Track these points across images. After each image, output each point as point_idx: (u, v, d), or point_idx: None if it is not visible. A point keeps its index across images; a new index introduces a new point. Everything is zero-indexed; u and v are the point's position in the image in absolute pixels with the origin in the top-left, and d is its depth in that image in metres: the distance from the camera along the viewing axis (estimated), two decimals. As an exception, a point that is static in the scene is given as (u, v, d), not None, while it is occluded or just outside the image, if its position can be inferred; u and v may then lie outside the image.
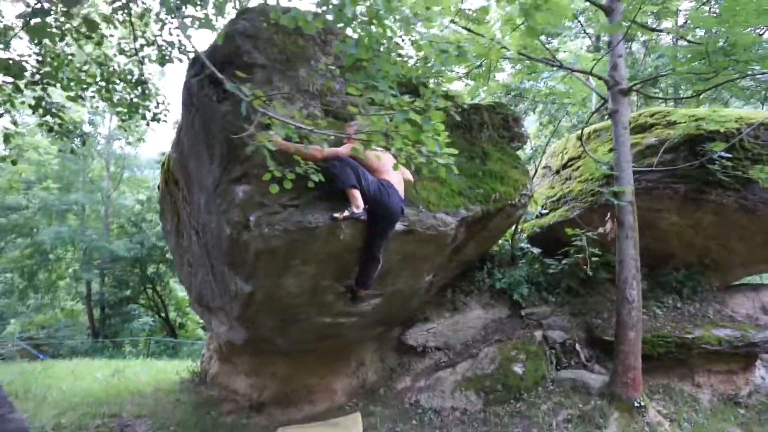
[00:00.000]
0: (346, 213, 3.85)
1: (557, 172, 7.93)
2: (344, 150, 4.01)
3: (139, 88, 4.49)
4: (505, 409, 5.27)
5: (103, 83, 4.32)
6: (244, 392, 6.84)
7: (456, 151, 3.55)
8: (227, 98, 4.15)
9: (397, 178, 4.27)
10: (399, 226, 4.52)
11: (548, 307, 6.54)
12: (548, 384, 5.55)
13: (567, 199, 7.22)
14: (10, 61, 4.10)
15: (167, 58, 4.57)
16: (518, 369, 5.63)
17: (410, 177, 4.66)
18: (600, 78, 5.51)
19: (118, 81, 4.44)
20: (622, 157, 5.23)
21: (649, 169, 6.01)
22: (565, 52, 7.99)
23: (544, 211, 7.45)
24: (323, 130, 3.38)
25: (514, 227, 7.25)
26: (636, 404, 4.87)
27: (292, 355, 6.22)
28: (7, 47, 4.19)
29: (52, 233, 17.52)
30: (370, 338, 6.41)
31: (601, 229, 5.98)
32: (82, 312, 21.44)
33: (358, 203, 3.88)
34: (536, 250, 7.22)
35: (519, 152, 7.24)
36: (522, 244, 7.43)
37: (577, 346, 5.95)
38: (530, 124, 11.50)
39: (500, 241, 7.52)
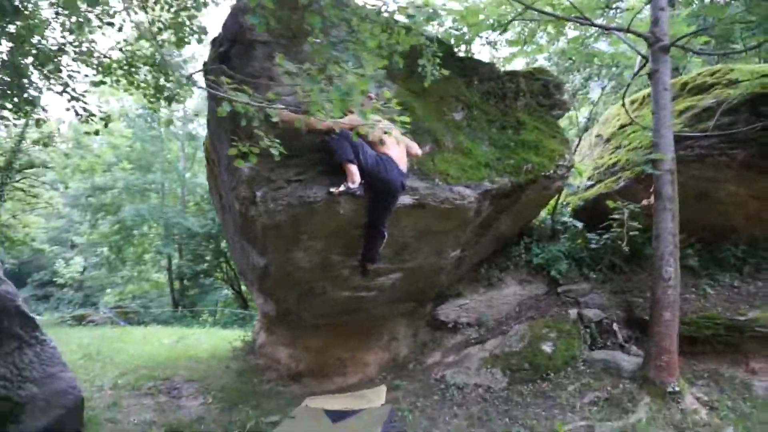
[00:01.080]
0: (342, 188, 3.84)
1: (608, 140, 7.41)
2: (344, 121, 3.95)
3: (162, 71, 4.66)
4: (529, 388, 5.10)
5: (126, 68, 4.55)
6: (284, 362, 7.11)
7: (408, 119, 3.40)
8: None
9: (398, 152, 4.17)
10: (408, 199, 4.45)
11: (587, 285, 6.20)
12: (579, 364, 5.29)
13: (614, 169, 6.74)
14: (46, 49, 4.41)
15: (185, 40, 4.72)
16: (547, 348, 5.41)
17: (418, 151, 4.54)
18: (639, 35, 5.01)
19: (141, 65, 4.67)
20: (661, 121, 4.77)
21: (702, 134, 5.45)
22: (614, 8, 7.33)
23: (589, 183, 7.01)
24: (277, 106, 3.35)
25: (555, 200, 6.88)
26: (670, 390, 4.52)
27: (325, 328, 6.35)
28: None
29: (133, 211, 19.04)
30: (401, 313, 6.41)
31: (644, 202, 5.54)
32: (166, 284, 23.18)
33: (354, 178, 3.85)
34: (579, 224, 6.82)
35: (566, 121, 6.85)
36: (564, 218, 7.04)
37: (615, 326, 5.60)
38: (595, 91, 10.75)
39: (542, 215, 7.20)
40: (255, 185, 4.16)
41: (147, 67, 4.79)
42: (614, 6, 6.11)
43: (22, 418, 4.66)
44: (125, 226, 19.75)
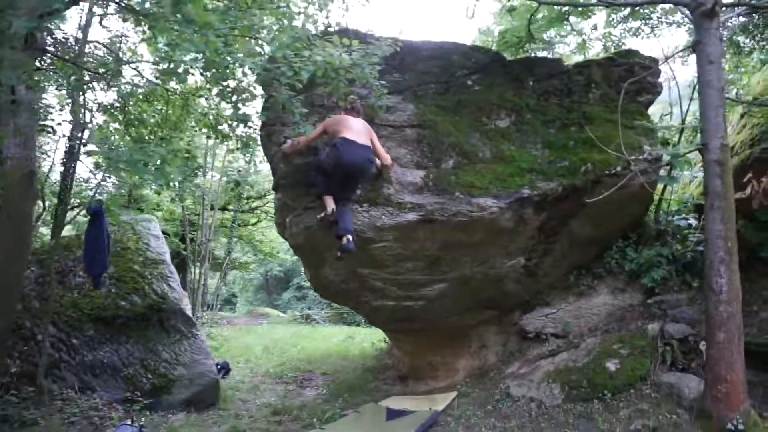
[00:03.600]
0: (322, 214, 4.41)
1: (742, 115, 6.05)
2: (319, 129, 4.56)
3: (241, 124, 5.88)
4: (580, 408, 4.70)
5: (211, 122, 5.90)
6: (397, 363, 7.77)
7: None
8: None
9: (356, 131, 4.45)
10: (412, 216, 4.71)
11: (684, 295, 5.26)
12: (644, 387, 4.63)
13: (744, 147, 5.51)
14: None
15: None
16: (612, 366, 4.88)
17: (388, 161, 4.77)
18: (677, 3, 4.20)
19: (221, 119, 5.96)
20: (707, 101, 3.95)
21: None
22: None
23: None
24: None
25: (659, 197, 5.98)
26: (730, 427, 3.72)
27: (419, 333, 6.80)
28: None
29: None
30: (487, 321, 6.45)
31: (739, 194, 4.57)
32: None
33: (327, 208, 4.38)
34: (693, 222, 5.78)
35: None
36: (673, 217, 6.02)
37: (702, 345, 4.69)
38: None
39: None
40: (284, 212, 5.02)
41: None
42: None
43: (172, 390, 6.39)
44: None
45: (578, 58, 7.04)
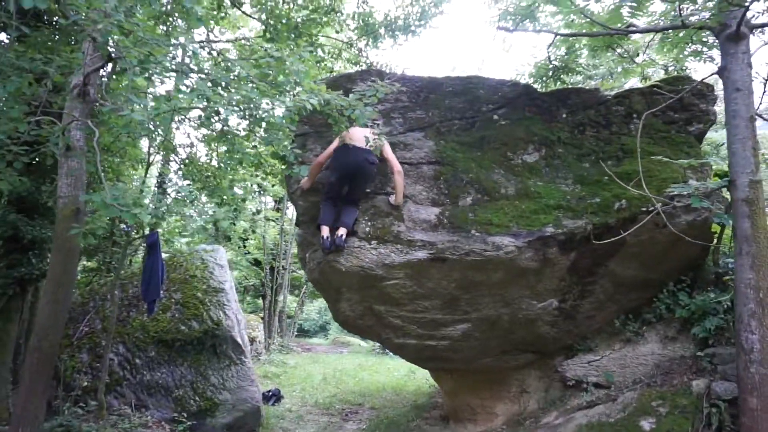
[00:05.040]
0: (321, 242, 4.56)
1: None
2: (330, 148, 4.89)
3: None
4: (605, 469, 4.28)
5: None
6: (442, 403, 7.56)
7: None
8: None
9: (357, 141, 4.73)
10: (423, 254, 4.65)
11: (740, 348, 4.60)
12: (681, 452, 4.10)
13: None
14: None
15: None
16: (646, 425, 4.38)
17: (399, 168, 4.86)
18: (700, 27, 3.81)
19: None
20: (734, 132, 3.53)
21: None
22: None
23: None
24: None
25: (719, 234, 5.34)
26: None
27: (455, 373, 6.60)
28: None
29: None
30: (527, 365, 6.09)
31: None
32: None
33: (323, 238, 4.61)
34: (759, 266, 5.06)
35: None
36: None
37: (753, 409, 4.05)
38: None
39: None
40: (304, 248, 5.19)
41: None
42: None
43: (216, 414, 6.74)
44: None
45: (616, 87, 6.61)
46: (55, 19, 5.94)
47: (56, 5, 2.95)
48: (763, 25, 3.71)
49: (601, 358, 5.63)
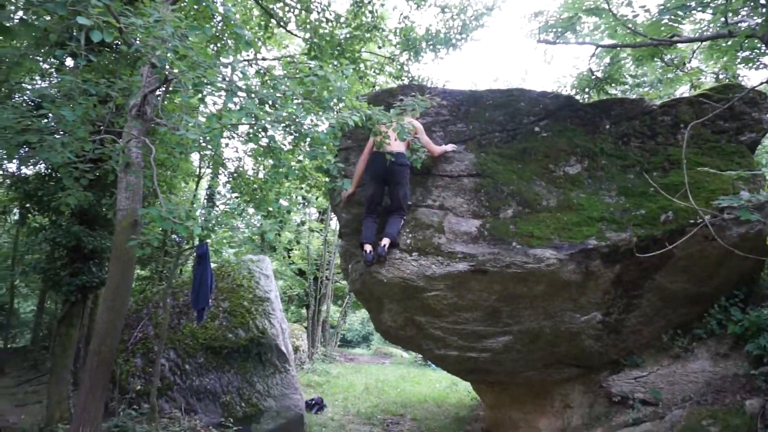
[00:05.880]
0: (365, 256, 4.64)
1: None
2: (366, 149, 5.09)
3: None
4: (653, 489, 4.17)
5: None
6: (483, 416, 7.50)
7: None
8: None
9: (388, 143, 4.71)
10: (463, 266, 4.68)
11: (799, 367, 4.39)
12: (733, 474, 3.94)
13: None
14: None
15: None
16: (696, 444, 4.25)
17: (435, 150, 5.11)
18: (749, 36, 3.70)
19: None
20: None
21: None
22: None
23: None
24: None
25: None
26: None
27: (497, 386, 6.56)
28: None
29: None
30: (572, 380, 5.99)
31: None
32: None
33: (365, 252, 4.71)
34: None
35: None
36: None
37: (812, 431, 3.86)
38: None
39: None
40: (347, 259, 5.32)
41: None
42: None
43: (260, 420, 6.94)
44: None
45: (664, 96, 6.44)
46: (116, 43, 6.35)
47: (119, 34, 3.18)
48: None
49: (649, 374, 5.47)
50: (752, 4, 3.66)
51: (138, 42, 3.42)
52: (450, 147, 5.19)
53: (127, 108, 5.07)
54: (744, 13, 3.91)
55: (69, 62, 6.82)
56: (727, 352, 5.10)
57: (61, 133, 4.37)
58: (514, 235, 4.82)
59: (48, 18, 4.11)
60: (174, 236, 8.99)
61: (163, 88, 5.62)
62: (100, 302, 7.20)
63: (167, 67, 3.75)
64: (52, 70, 7.01)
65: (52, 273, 7.43)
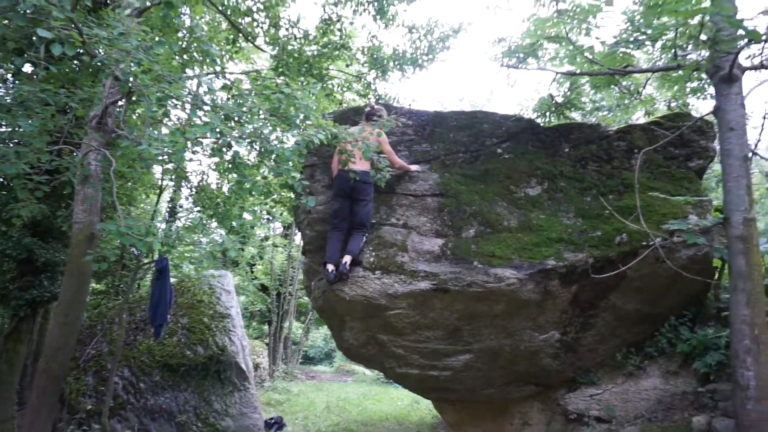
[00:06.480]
0: (327, 273, 4.66)
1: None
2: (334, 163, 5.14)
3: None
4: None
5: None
6: (445, 433, 7.51)
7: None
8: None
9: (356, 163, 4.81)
10: (426, 284, 4.73)
11: (742, 385, 4.60)
12: (681, 489, 4.08)
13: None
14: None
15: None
16: (647, 460, 4.38)
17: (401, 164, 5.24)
18: (696, 69, 3.95)
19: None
20: (728, 171, 3.62)
21: None
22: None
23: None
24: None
25: (718, 270, 5.39)
26: None
27: (457, 404, 6.59)
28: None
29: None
30: (530, 397, 6.09)
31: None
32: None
33: (327, 271, 4.72)
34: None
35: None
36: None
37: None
38: None
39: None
40: (310, 276, 5.29)
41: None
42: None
43: (218, 442, 6.73)
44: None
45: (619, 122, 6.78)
46: (79, 51, 6.22)
47: (82, 45, 3.13)
48: (754, 68, 3.83)
49: (603, 392, 5.61)
50: (695, 41, 3.92)
51: (101, 53, 3.38)
52: (414, 167, 5.28)
53: (87, 119, 4.96)
54: (690, 47, 4.15)
55: (27, 68, 6.63)
56: (676, 369, 5.30)
57: (16, 142, 4.23)
58: (475, 255, 4.91)
59: (6, 22, 4.00)
60: (133, 250, 8.74)
61: (126, 100, 5.52)
62: (51, 317, 6.93)
63: (131, 80, 3.71)
64: (8, 76, 6.79)
65: (0, 286, 7.11)
